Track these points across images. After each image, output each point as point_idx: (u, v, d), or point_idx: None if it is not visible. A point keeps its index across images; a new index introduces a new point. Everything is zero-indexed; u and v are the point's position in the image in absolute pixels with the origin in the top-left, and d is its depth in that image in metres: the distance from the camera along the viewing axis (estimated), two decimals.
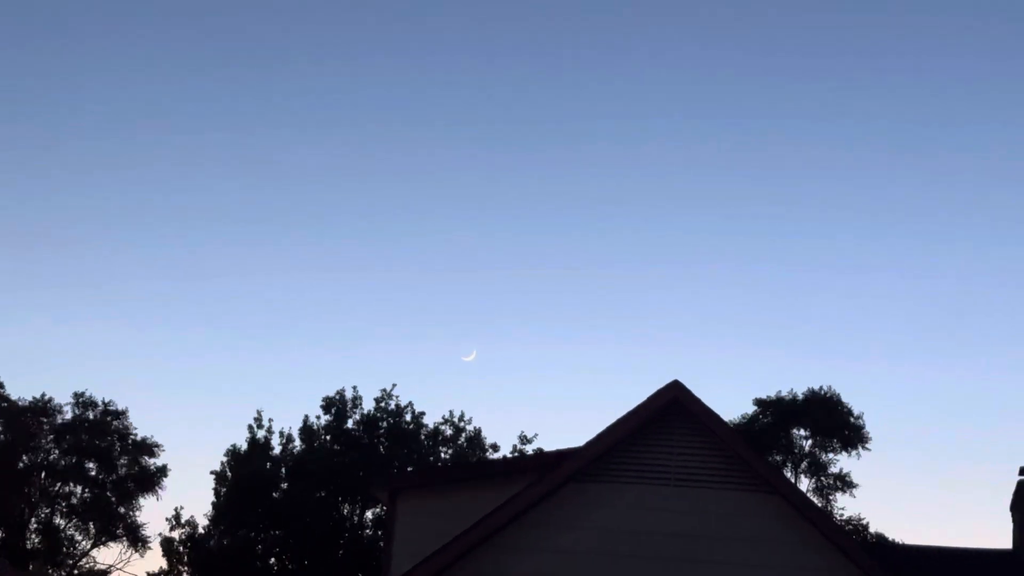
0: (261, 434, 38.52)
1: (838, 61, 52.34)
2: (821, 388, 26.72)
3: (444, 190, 56.90)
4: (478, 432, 39.24)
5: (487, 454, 38.60)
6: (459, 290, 56.52)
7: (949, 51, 52.30)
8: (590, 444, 18.26)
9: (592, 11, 52.56)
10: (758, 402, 27.13)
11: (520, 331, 55.93)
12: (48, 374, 60.36)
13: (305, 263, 58.32)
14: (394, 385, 38.80)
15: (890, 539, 25.31)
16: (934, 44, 52.23)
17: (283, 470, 37.76)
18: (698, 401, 18.22)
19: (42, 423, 42.23)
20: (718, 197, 54.76)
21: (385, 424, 38.24)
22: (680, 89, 53.33)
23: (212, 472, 38.24)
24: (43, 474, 41.94)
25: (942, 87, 52.35)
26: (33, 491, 41.71)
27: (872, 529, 26.18)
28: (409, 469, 36.29)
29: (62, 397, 42.99)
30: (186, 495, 67.95)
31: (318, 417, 38.49)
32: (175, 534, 38.96)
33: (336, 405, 38.52)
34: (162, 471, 42.35)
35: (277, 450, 38.32)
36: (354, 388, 38.75)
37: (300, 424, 38.71)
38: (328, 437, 38.14)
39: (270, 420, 38.60)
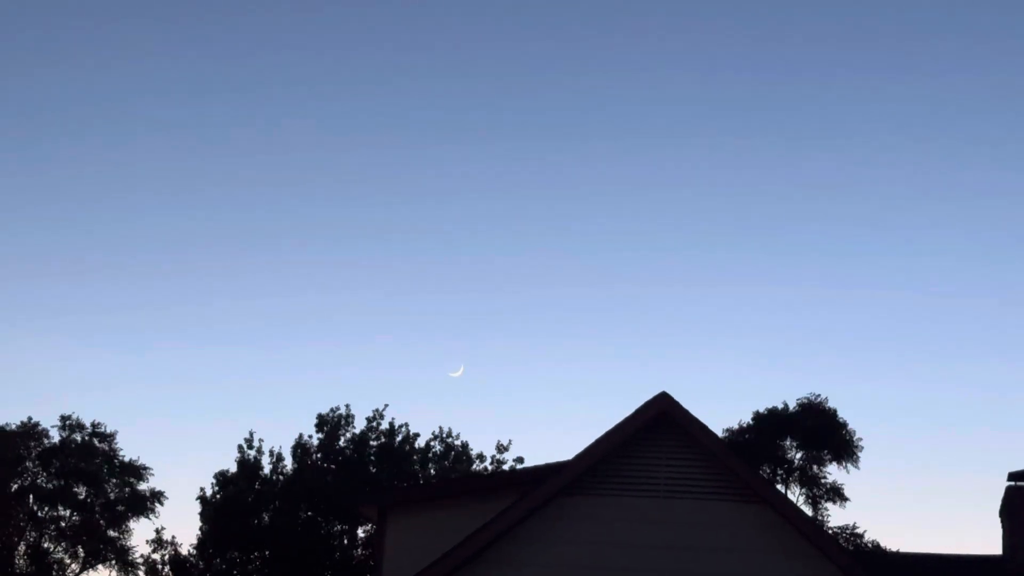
0: (251, 454, 38.41)
1: (835, 71, 52.55)
2: (813, 397, 26.70)
3: (430, 204, 56.92)
4: (465, 446, 39.20)
5: (473, 467, 38.58)
6: (446, 306, 56.50)
7: (938, 62, 52.53)
8: (579, 457, 18.25)
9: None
10: (756, 417, 27.10)
11: (508, 345, 55.93)
12: (35, 398, 60.19)
13: (292, 280, 58.25)
14: (386, 405, 38.92)
15: (884, 547, 25.31)
16: (916, 57, 52.46)
17: (272, 490, 37.64)
18: (686, 413, 18.21)
19: (30, 447, 42.03)
20: (706, 208, 54.88)
21: (376, 443, 38.20)
22: (669, 97, 53.47)
23: (199, 492, 38.14)
24: (31, 498, 41.74)
25: (933, 93, 52.57)
26: (22, 515, 41.50)
27: (867, 538, 26.19)
28: (397, 485, 36.20)
29: (49, 421, 42.86)
30: (174, 518, 67.70)
31: (310, 436, 38.45)
32: (157, 556, 38.89)
33: (329, 423, 38.47)
34: (157, 496, 42.17)
35: (267, 469, 38.21)
36: (347, 407, 38.75)
37: (290, 442, 38.65)
38: (319, 455, 38.08)
39: (260, 440, 38.52)
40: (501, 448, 38.30)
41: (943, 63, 52.45)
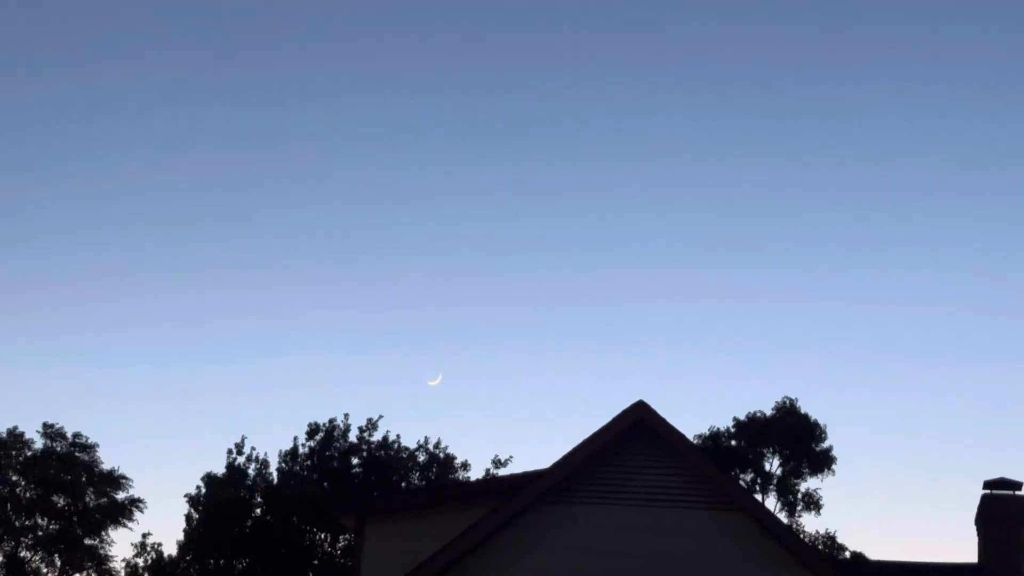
0: (240, 460, 38.45)
1: (810, 80, 52.84)
2: (788, 402, 26.86)
3: (407, 211, 56.92)
4: (449, 458, 39.18)
5: (457, 475, 38.58)
6: (423, 314, 56.46)
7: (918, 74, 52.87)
8: (557, 465, 18.28)
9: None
10: (737, 422, 27.23)
11: (486, 354, 55.91)
12: (19, 410, 59.95)
13: (274, 293, 58.21)
14: (380, 416, 38.93)
15: (860, 554, 25.47)
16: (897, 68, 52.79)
17: (257, 496, 37.66)
18: (663, 421, 18.28)
19: (11, 456, 41.92)
20: (683, 220, 55.04)
21: (365, 452, 38.20)
22: (649, 110, 53.67)
23: (186, 494, 38.19)
24: (8, 506, 41.60)
25: (901, 103, 52.91)
26: None
27: (844, 545, 26.32)
28: (375, 493, 36.22)
29: (32, 429, 42.74)
30: (158, 528, 67.51)
31: (303, 443, 38.48)
32: (140, 560, 38.88)
33: (321, 431, 38.48)
34: (136, 503, 42.06)
35: (253, 476, 38.26)
36: (345, 416, 38.80)
37: (279, 450, 38.71)
38: (308, 463, 38.13)
39: (253, 448, 38.56)
40: (498, 463, 38.14)
41: (923, 70, 52.79)
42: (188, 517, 37.84)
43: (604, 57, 53.07)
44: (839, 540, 26.13)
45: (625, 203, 54.46)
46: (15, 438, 41.87)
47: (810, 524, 26.72)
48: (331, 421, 38.67)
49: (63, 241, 58.28)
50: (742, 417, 27.29)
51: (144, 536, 39.41)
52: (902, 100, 52.55)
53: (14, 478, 41.74)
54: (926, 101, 52.51)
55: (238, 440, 38.82)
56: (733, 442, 26.85)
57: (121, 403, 57.11)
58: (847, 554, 25.81)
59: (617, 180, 54.60)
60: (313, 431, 38.51)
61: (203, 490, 38.11)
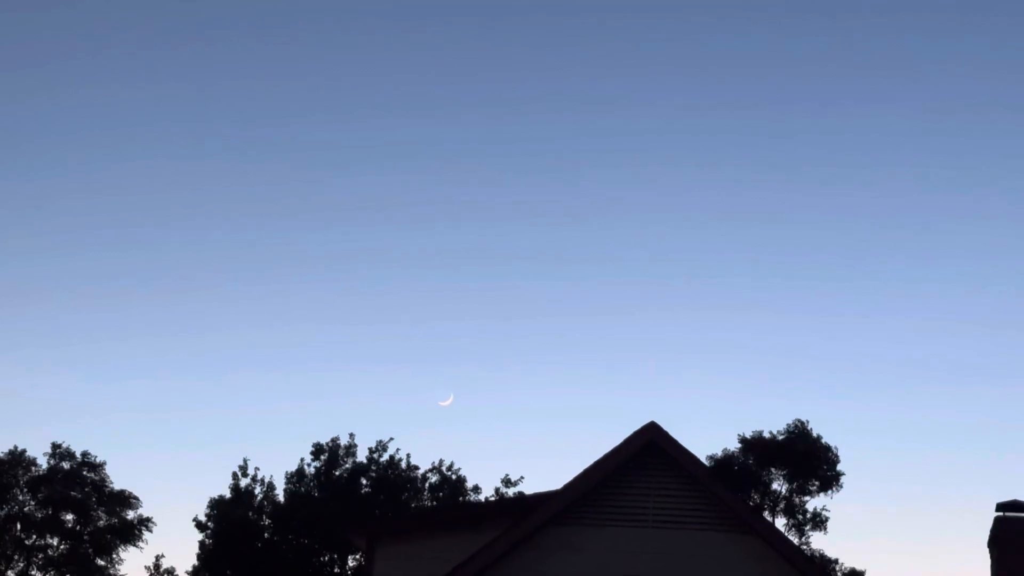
0: (245, 482, 38.39)
1: (823, 94, 52.95)
2: (799, 425, 26.81)
3: (416, 232, 57.00)
4: (460, 479, 39.11)
5: (468, 497, 38.48)
6: (436, 334, 56.46)
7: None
8: (567, 487, 18.26)
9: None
10: (742, 440, 27.16)
11: (497, 374, 55.89)
12: (24, 427, 60.04)
13: (283, 309, 58.26)
14: (391, 438, 38.87)
15: (857, 572, 25.37)
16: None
17: (265, 518, 37.59)
18: (675, 442, 18.26)
19: (17, 475, 41.98)
20: (690, 240, 55.05)
21: (374, 473, 38.13)
22: (659, 124, 53.75)
23: (194, 520, 38.14)
24: (18, 526, 41.65)
25: (901, 122, 53.03)
26: (8, 543, 41.40)
27: (848, 565, 26.23)
28: (386, 514, 36.14)
29: (39, 450, 42.88)
30: (170, 547, 67.53)
31: (308, 464, 38.45)
32: None
33: (326, 452, 38.43)
34: (145, 522, 42.10)
35: (259, 498, 38.19)
36: (350, 436, 38.76)
37: (285, 471, 38.63)
38: (313, 484, 38.07)
39: (256, 469, 38.49)
40: (509, 482, 38.01)
41: (930, 82, 52.81)
42: (202, 544, 37.79)
43: (613, 73, 53.20)
44: (832, 556, 26.05)
45: (637, 221, 54.51)
46: (16, 457, 41.93)
47: (815, 542, 26.66)
48: (334, 440, 38.61)
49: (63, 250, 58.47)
50: (748, 435, 27.27)
51: (158, 558, 39.44)
52: (919, 115, 52.60)
53: (21, 497, 41.82)
54: (943, 115, 52.55)
55: (241, 462, 38.78)
56: (738, 465, 26.81)
57: (123, 418, 57.16)
58: (843, 566, 25.71)
59: (631, 198, 54.68)
60: (318, 451, 38.47)
61: (211, 512, 38.01)
